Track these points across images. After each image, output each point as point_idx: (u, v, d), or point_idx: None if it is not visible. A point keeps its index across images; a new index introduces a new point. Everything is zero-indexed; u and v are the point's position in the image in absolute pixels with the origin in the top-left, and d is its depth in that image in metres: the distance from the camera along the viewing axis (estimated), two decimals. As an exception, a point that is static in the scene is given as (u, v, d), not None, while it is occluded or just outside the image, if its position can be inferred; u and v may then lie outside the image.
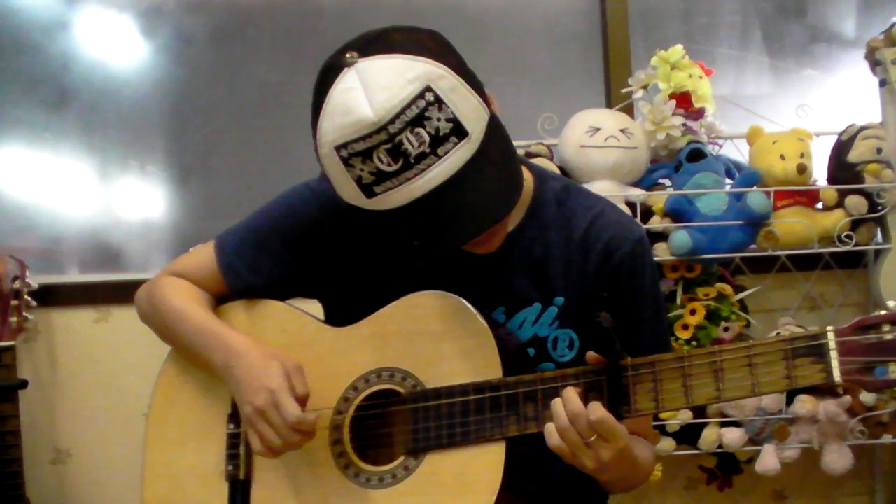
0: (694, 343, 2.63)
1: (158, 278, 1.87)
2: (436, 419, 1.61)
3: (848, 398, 2.64)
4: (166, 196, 3.25)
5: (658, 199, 2.69)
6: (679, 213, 2.65)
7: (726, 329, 2.65)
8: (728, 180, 2.74)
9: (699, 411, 2.66)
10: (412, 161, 1.47)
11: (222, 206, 3.17)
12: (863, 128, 2.75)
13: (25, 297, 2.72)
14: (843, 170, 2.76)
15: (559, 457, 1.54)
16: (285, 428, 1.60)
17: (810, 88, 3.34)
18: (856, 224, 2.72)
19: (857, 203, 2.70)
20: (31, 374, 2.86)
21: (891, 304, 1.45)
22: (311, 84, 1.54)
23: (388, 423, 1.67)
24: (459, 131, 1.48)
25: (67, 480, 2.94)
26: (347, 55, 1.48)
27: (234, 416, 1.74)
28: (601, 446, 1.51)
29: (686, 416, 2.65)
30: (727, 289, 2.70)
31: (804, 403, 2.62)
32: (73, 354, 2.94)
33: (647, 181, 2.76)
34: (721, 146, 2.82)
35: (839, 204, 2.72)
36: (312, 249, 1.78)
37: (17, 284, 2.71)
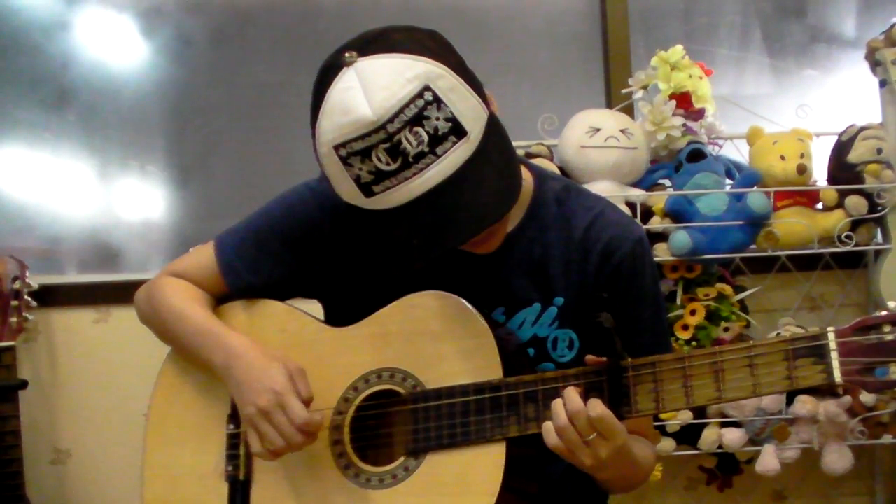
0: (694, 343, 2.63)
1: (157, 279, 1.87)
2: (436, 420, 1.61)
3: (848, 398, 2.64)
4: (166, 196, 3.25)
5: (658, 199, 2.69)
6: (679, 213, 2.65)
7: (726, 329, 2.65)
8: (728, 181, 2.74)
9: (699, 412, 2.66)
10: (411, 160, 1.47)
11: (222, 206, 3.17)
12: (863, 128, 2.75)
13: (25, 297, 2.73)
14: (843, 170, 2.76)
15: (559, 457, 1.54)
16: (290, 429, 1.60)
17: (810, 88, 3.34)
18: (856, 224, 2.72)
19: (857, 203, 2.69)
20: (31, 374, 2.86)
21: (891, 304, 1.45)
22: (311, 84, 1.54)
23: (389, 424, 1.67)
24: (458, 131, 1.48)
25: (67, 480, 2.94)
26: (346, 54, 1.48)
27: (234, 417, 1.74)
28: (600, 444, 1.51)
29: (686, 417, 2.64)
30: (727, 289, 2.70)
31: (804, 404, 2.62)
32: (73, 354, 2.94)
33: (647, 181, 2.76)
34: (721, 146, 2.82)
35: (839, 204, 2.72)
36: (312, 249, 1.78)
37: (17, 284, 2.71)
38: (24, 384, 2.67)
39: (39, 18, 3.19)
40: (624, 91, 2.88)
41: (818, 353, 1.45)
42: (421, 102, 1.46)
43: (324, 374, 1.69)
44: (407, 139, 1.46)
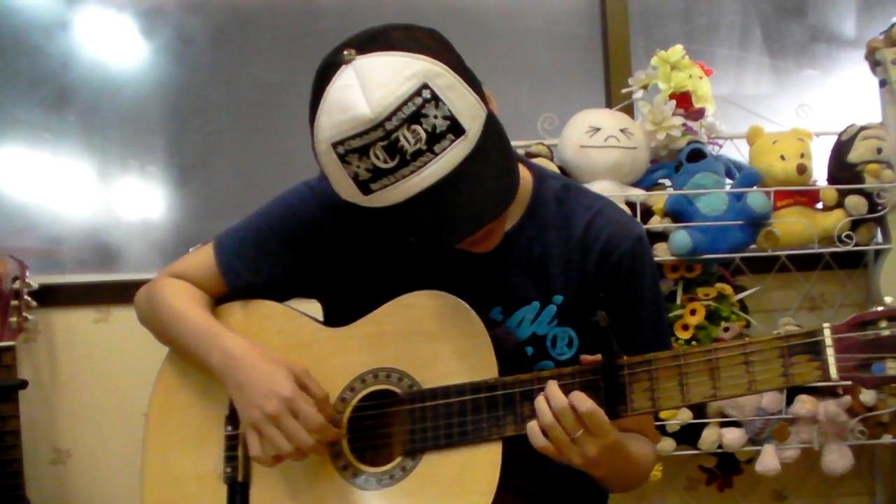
0: (694, 343, 2.63)
1: (157, 280, 1.87)
2: (433, 419, 1.61)
3: (848, 398, 2.64)
4: (166, 196, 3.24)
5: (658, 199, 2.69)
6: (679, 213, 2.65)
7: (726, 329, 2.65)
8: (728, 180, 2.74)
9: (699, 411, 2.66)
10: (408, 158, 1.46)
11: (222, 206, 3.17)
12: (863, 128, 2.75)
13: (25, 297, 2.73)
14: (843, 170, 2.76)
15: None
16: (302, 434, 1.60)
17: (810, 88, 3.34)
18: (856, 224, 2.72)
19: (857, 203, 2.69)
20: (31, 374, 2.86)
21: (888, 300, 1.45)
22: (311, 83, 1.54)
23: (386, 424, 1.67)
24: (456, 129, 1.48)
25: (67, 480, 2.94)
26: (345, 52, 1.48)
27: (232, 418, 1.73)
28: (587, 441, 1.50)
29: (686, 417, 2.64)
30: (727, 289, 2.70)
31: (804, 403, 2.62)
32: (73, 354, 2.94)
33: (647, 181, 2.76)
34: (721, 146, 2.82)
35: (839, 204, 2.72)
36: (312, 249, 1.78)
37: (17, 284, 2.71)
38: (24, 384, 2.67)
39: (39, 18, 3.19)
40: (624, 91, 2.88)
41: (814, 349, 1.45)
42: (419, 100, 1.46)
43: (321, 374, 1.68)
44: (405, 137, 1.46)
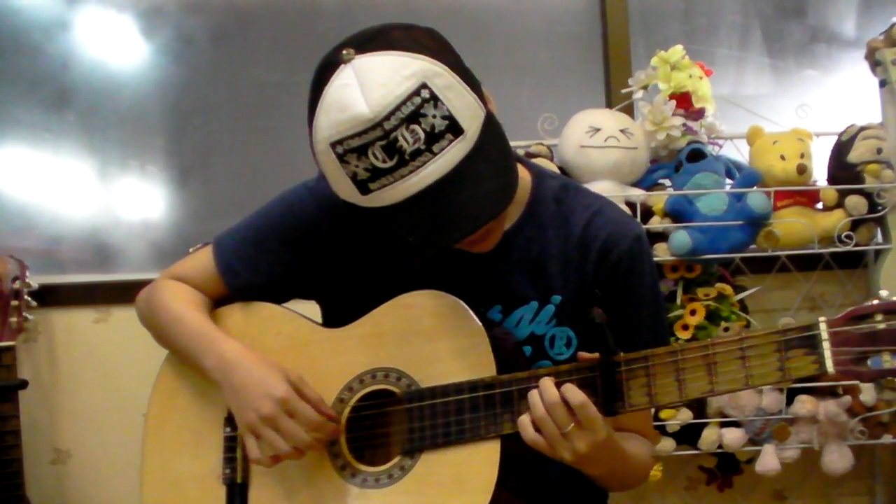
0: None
1: (157, 282, 1.87)
2: (431, 418, 1.61)
3: (848, 398, 2.64)
4: (166, 196, 3.25)
5: (658, 199, 2.69)
6: (679, 213, 2.65)
7: (726, 329, 2.65)
8: (728, 180, 2.74)
9: (699, 411, 2.66)
10: (407, 158, 1.46)
11: (222, 206, 3.17)
12: (863, 128, 2.75)
13: (25, 297, 2.73)
14: (843, 170, 2.76)
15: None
16: (300, 433, 1.61)
17: (810, 88, 3.34)
18: (856, 224, 2.71)
19: (857, 203, 2.69)
20: (31, 374, 2.86)
21: (883, 293, 1.45)
22: (310, 83, 1.54)
23: (384, 424, 1.68)
24: (455, 129, 1.48)
25: (67, 480, 2.94)
26: (344, 52, 1.49)
27: (231, 420, 1.73)
28: (578, 436, 1.51)
29: (686, 417, 2.64)
30: (727, 289, 2.69)
31: (804, 403, 2.62)
32: (73, 354, 2.94)
33: (647, 181, 2.76)
34: (721, 146, 2.82)
35: (839, 204, 2.72)
36: (311, 249, 1.78)
37: (17, 284, 2.71)
38: (24, 384, 2.67)
39: (39, 18, 3.19)
40: (624, 91, 2.88)
41: (810, 343, 1.45)
42: (418, 100, 1.46)
43: (319, 375, 1.69)
44: (403, 137, 1.46)
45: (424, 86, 1.47)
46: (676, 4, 3.34)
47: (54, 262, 3.16)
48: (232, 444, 1.74)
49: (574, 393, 1.50)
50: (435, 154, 1.47)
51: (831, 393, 2.67)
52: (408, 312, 1.67)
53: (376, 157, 1.47)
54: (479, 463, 1.57)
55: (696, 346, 1.51)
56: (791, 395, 2.64)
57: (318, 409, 1.64)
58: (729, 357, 1.49)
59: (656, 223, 2.67)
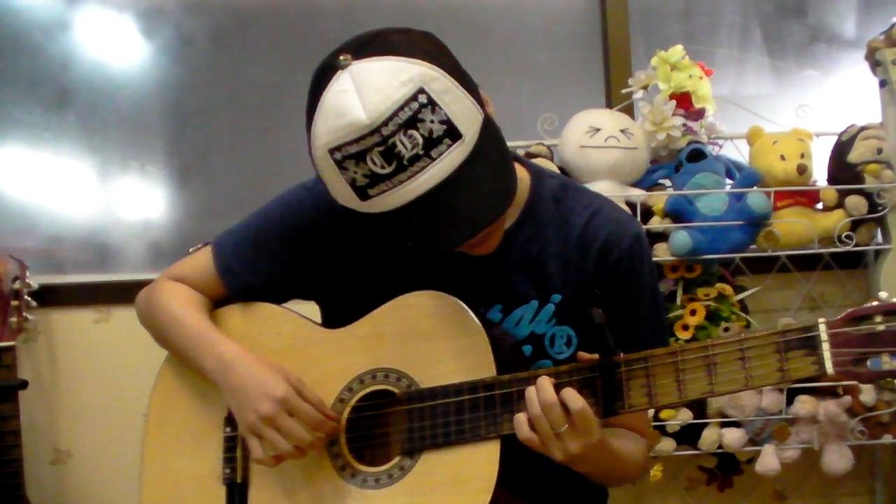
0: (693, 343, 2.63)
1: (157, 283, 1.88)
2: (431, 419, 1.61)
3: (848, 398, 2.64)
4: (166, 196, 3.24)
5: (658, 199, 2.69)
6: (679, 213, 2.65)
7: (726, 329, 2.65)
8: (728, 181, 2.74)
9: (699, 411, 2.66)
10: (405, 163, 1.46)
11: (222, 206, 3.17)
12: (863, 128, 2.75)
13: (25, 297, 2.73)
14: (843, 170, 2.75)
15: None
16: (301, 432, 1.61)
17: (810, 88, 3.34)
18: (856, 224, 2.71)
19: (857, 203, 2.69)
20: (31, 374, 2.86)
21: (882, 294, 1.45)
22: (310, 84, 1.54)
23: (384, 424, 1.68)
24: (453, 133, 1.48)
25: (67, 480, 2.94)
26: (341, 57, 1.48)
27: (231, 420, 1.74)
28: (571, 438, 1.51)
29: (686, 417, 2.64)
30: (727, 289, 2.69)
31: (804, 404, 2.62)
32: (73, 354, 2.94)
33: (647, 181, 2.76)
34: (721, 146, 2.82)
35: (839, 204, 2.72)
36: (310, 250, 1.78)
37: (17, 284, 2.71)
38: (24, 384, 2.67)
39: (39, 18, 3.19)
40: (624, 91, 2.87)
41: (809, 344, 1.46)
42: (415, 105, 1.46)
43: (319, 375, 1.69)
44: (401, 142, 1.46)
45: (422, 91, 1.47)
46: (676, 4, 3.34)
47: (54, 262, 3.16)
48: (232, 445, 1.75)
49: (573, 398, 1.50)
50: (433, 159, 1.47)
51: (831, 393, 2.67)
52: (407, 313, 1.67)
53: (375, 163, 1.47)
54: (479, 463, 1.57)
55: (695, 346, 1.51)
56: (791, 396, 2.64)
57: (318, 409, 1.64)
58: (729, 358, 1.49)
59: (656, 223, 2.66)
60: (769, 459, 2.65)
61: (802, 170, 2.68)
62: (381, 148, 1.46)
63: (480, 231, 1.53)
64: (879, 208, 2.69)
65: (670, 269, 2.69)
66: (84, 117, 3.20)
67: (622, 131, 2.69)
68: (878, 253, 2.79)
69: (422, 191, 1.48)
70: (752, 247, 2.71)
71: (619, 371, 1.54)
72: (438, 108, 1.47)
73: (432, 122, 1.47)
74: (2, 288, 2.69)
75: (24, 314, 2.71)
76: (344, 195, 1.53)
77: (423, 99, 1.46)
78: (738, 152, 2.86)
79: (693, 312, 2.65)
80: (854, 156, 2.72)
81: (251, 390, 1.64)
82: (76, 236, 3.18)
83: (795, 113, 2.79)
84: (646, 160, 2.74)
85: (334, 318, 1.80)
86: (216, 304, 1.85)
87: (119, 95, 3.21)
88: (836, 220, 2.70)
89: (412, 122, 1.46)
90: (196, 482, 1.77)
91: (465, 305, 1.63)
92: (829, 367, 1.43)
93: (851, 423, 2.65)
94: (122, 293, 2.80)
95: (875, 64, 2.76)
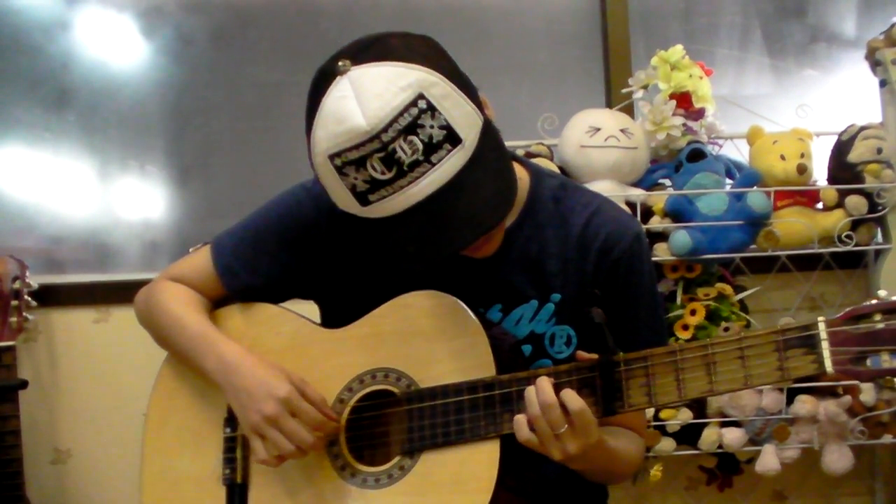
0: (693, 343, 2.63)
1: (156, 283, 1.88)
2: (430, 418, 1.61)
3: (848, 398, 2.64)
4: (166, 196, 3.24)
5: (658, 199, 2.68)
6: (679, 213, 2.65)
7: (726, 329, 2.65)
8: (728, 180, 2.74)
9: (699, 411, 2.66)
10: (405, 169, 1.47)
11: (222, 206, 3.17)
12: (863, 128, 2.74)
13: (25, 297, 2.73)
14: (843, 170, 2.75)
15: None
16: (302, 432, 1.62)
17: (810, 88, 3.33)
18: (856, 224, 2.71)
19: (857, 203, 2.69)
20: (31, 374, 2.86)
21: (882, 293, 1.45)
22: (310, 84, 1.54)
23: (384, 424, 1.68)
24: (453, 138, 1.48)
25: (67, 480, 2.94)
26: (340, 63, 1.48)
27: (231, 421, 1.74)
28: (570, 439, 1.51)
29: (686, 417, 2.64)
30: (727, 289, 2.69)
31: (804, 404, 2.62)
32: (73, 354, 2.94)
33: (647, 181, 2.76)
34: (721, 146, 2.82)
35: (839, 204, 2.72)
36: (309, 250, 1.79)
37: (17, 284, 2.71)
38: (24, 384, 2.67)
39: (39, 18, 3.19)
40: (624, 91, 2.87)
41: (809, 343, 1.46)
42: (415, 111, 1.46)
43: (319, 375, 1.69)
44: (401, 148, 1.46)
45: (421, 96, 1.47)
46: (676, 4, 3.34)
47: (54, 262, 3.16)
48: (232, 445, 1.75)
49: (572, 399, 1.51)
50: (433, 164, 1.47)
51: (831, 393, 2.67)
52: (407, 312, 1.67)
53: (375, 169, 1.47)
54: (479, 463, 1.57)
55: (695, 345, 1.52)
56: (791, 395, 2.64)
57: (320, 409, 1.64)
58: (728, 357, 1.50)
59: (656, 223, 2.66)
60: (769, 459, 2.65)
61: (802, 169, 2.68)
62: (381, 154, 1.46)
63: (482, 235, 1.53)
64: (879, 208, 2.68)
65: (670, 268, 2.69)
66: (84, 117, 3.20)
67: (622, 131, 2.69)
68: (878, 253, 2.79)
69: (422, 196, 1.48)
70: (752, 247, 2.71)
71: (618, 370, 1.54)
72: (438, 114, 1.47)
73: (432, 127, 1.47)
74: (2, 288, 2.69)
75: (24, 314, 2.71)
76: (344, 200, 1.54)
77: (422, 104, 1.46)
78: (738, 152, 2.86)
79: (693, 312, 2.65)
80: (854, 156, 2.72)
81: (254, 391, 1.64)
82: (76, 236, 3.18)
83: (795, 113, 2.79)
84: (646, 160, 2.74)
85: (334, 318, 1.80)
86: (215, 304, 1.85)
87: (119, 95, 3.21)
88: (836, 220, 2.70)
89: (412, 128, 1.46)
90: (196, 483, 1.77)
91: (464, 305, 1.63)
92: (829, 366, 1.44)
93: (851, 423, 2.65)
94: (122, 293, 2.79)
95: (875, 64, 2.76)
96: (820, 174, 2.81)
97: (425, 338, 1.65)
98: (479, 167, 1.50)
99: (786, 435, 2.64)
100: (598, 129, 2.69)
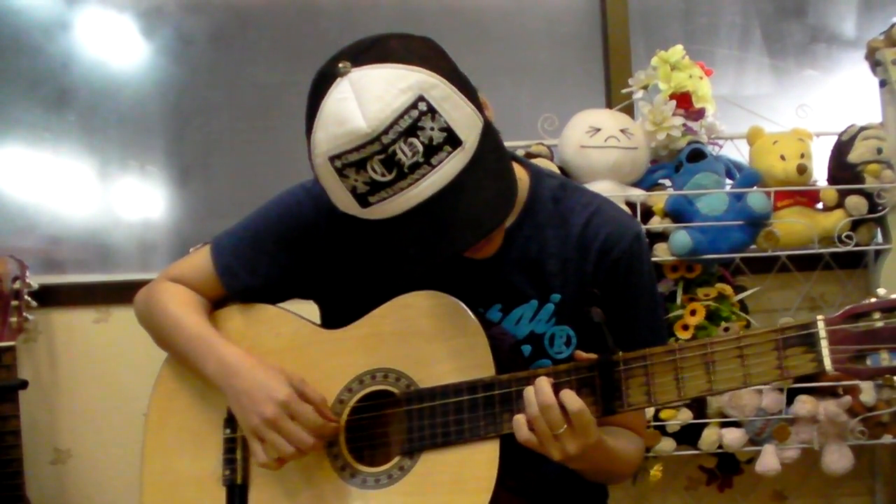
0: (693, 343, 2.63)
1: (155, 283, 1.88)
2: (430, 419, 1.61)
3: (848, 398, 2.64)
4: (166, 196, 3.24)
5: (658, 199, 2.68)
6: (679, 213, 2.65)
7: (726, 329, 2.65)
8: (728, 181, 2.74)
9: (699, 411, 2.66)
10: (406, 171, 1.47)
11: (222, 206, 3.17)
12: (863, 128, 2.74)
13: (25, 297, 2.73)
14: (843, 170, 2.75)
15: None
16: (301, 434, 1.62)
17: (810, 88, 3.33)
18: (856, 224, 2.71)
19: (857, 203, 2.69)
20: (31, 374, 2.86)
21: (881, 291, 1.45)
22: (310, 84, 1.54)
23: (383, 424, 1.68)
24: (453, 140, 1.48)
25: (67, 480, 2.94)
26: (340, 64, 1.48)
27: (230, 422, 1.74)
28: (569, 439, 1.52)
29: (686, 417, 2.64)
30: (727, 289, 2.69)
31: (804, 404, 2.62)
32: (73, 354, 2.94)
33: (647, 181, 2.76)
34: (721, 146, 2.82)
35: (839, 204, 2.72)
36: (308, 250, 1.79)
37: (17, 284, 2.71)
38: (24, 384, 2.67)
39: (39, 18, 3.19)
40: (624, 91, 2.87)
41: (808, 341, 1.46)
42: (415, 113, 1.46)
43: (318, 376, 1.69)
44: (402, 150, 1.46)
45: (422, 98, 1.47)
46: (676, 4, 3.34)
47: (54, 262, 3.16)
48: (232, 446, 1.75)
49: (572, 400, 1.51)
50: (434, 166, 1.48)
51: (831, 393, 2.67)
52: (406, 313, 1.67)
53: (375, 171, 1.47)
54: (479, 463, 1.57)
55: (694, 345, 1.52)
56: (791, 396, 2.64)
57: (320, 411, 1.64)
58: (727, 356, 1.50)
59: (656, 223, 2.66)
60: (769, 459, 2.64)
61: (802, 170, 2.68)
62: (382, 156, 1.46)
63: (483, 238, 1.53)
64: (879, 208, 2.68)
65: (670, 269, 2.69)
66: (84, 117, 3.20)
67: (622, 131, 2.69)
68: (878, 253, 2.79)
69: (422, 198, 1.48)
70: (752, 247, 2.71)
71: (617, 370, 1.54)
72: (438, 116, 1.47)
73: (432, 129, 1.47)
74: (2, 288, 2.69)
75: (24, 314, 2.71)
76: (344, 202, 1.54)
77: (423, 107, 1.46)
78: (738, 152, 2.86)
79: (693, 312, 2.65)
80: (854, 156, 2.72)
81: (254, 393, 1.64)
82: (76, 236, 3.18)
83: (795, 113, 2.79)
84: (646, 160, 2.74)
85: (333, 318, 1.80)
86: (215, 304, 1.85)
87: (119, 95, 3.21)
88: (836, 220, 2.70)
89: (412, 130, 1.46)
90: (196, 484, 1.77)
91: (463, 305, 1.63)
92: (828, 365, 1.44)
93: (851, 423, 2.65)
94: (122, 293, 2.78)
95: (875, 64, 2.76)
96: (820, 174, 2.81)
97: (425, 338, 1.65)
98: (479, 169, 1.51)
99: (786, 435, 2.64)
100: (598, 130, 2.69)
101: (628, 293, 1.74)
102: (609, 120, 2.72)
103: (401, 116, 1.45)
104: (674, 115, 2.69)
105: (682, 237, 2.60)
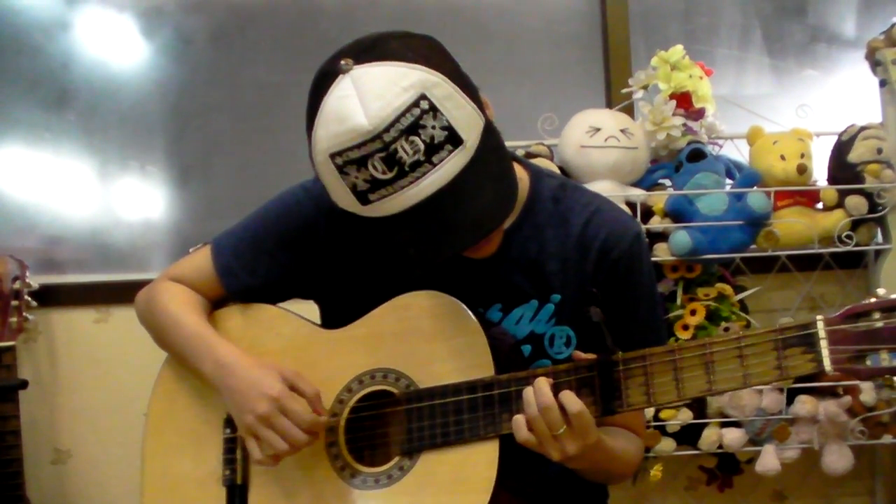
0: (692, 343, 2.63)
1: (156, 283, 1.88)
2: (430, 419, 1.61)
3: (848, 398, 2.64)
4: (166, 196, 3.24)
5: (658, 199, 2.68)
6: (679, 213, 2.65)
7: (726, 329, 2.65)
8: (728, 180, 2.74)
9: (699, 411, 2.66)
10: (406, 169, 1.47)
11: (222, 206, 3.17)
12: (863, 128, 2.74)
13: (26, 297, 2.73)
14: (843, 170, 2.75)
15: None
16: (293, 430, 1.61)
17: (810, 88, 3.33)
18: (856, 224, 2.71)
19: (857, 203, 2.69)
20: (31, 374, 2.86)
21: (880, 291, 1.45)
22: (310, 84, 1.54)
23: (383, 424, 1.68)
24: (454, 139, 1.48)
25: (67, 480, 2.94)
26: (342, 62, 1.48)
27: (230, 422, 1.74)
28: (569, 440, 1.52)
29: (686, 417, 2.64)
30: (727, 289, 2.69)
31: (804, 404, 2.62)
32: (73, 354, 2.94)
33: (647, 181, 2.76)
34: (721, 146, 2.82)
35: (839, 204, 2.72)
36: (308, 250, 1.78)
37: (17, 284, 2.71)
38: (24, 384, 2.67)
39: (39, 18, 3.19)
40: (624, 91, 2.87)
41: (807, 341, 1.45)
42: (417, 111, 1.46)
43: (318, 376, 1.69)
44: (403, 148, 1.46)
45: (423, 97, 1.47)
46: (676, 4, 3.34)
47: (54, 262, 3.16)
48: (232, 446, 1.75)
49: (571, 400, 1.51)
50: (434, 165, 1.47)
51: (831, 393, 2.67)
52: (406, 313, 1.67)
53: (376, 169, 1.47)
54: (479, 463, 1.57)
55: (693, 345, 1.52)
56: (791, 396, 2.64)
57: (312, 405, 1.64)
58: (727, 356, 1.50)
59: (656, 223, 2.66)
60: (769, 459, 2.65)
61: (802, 170, 2.68)
62: (383, 154, 1.46)
63: (483, 238, 1.53)
64: (879, 208, 2.68)
65: (670, 269, 2.69)
66: (84, 117, 3.20)
67: (622, 131, 2.69)
68: (878, 253, 2.79)
69: (423, 196, 1.48)
70: (752, 247, 2.71)
71: (617, 370, 1.54)
72: (440, 115, 1.47)
73: (434, 128, 1.47)
74: (2, 288, 2.69)
75: (25, 314, 2.72)
76: (344, 199, 1.54)
77: (424, 105, 1.46)
78: (738, 152, 2.86)
79: (693, 312, 2.65)
80: (854, 156, 2.72)
81: (247, 391, 1.64)
82: (76, 236, 3.18)
83: (795, 113, 2.79)
84: (646, 160, 2.74)
85: (333, 318, 1.80)
86: (215, 304, 1.85)
87: (119, 95, 3.21)
88: (836, 220, 2.70)
89: (414, 129, 1.46)
90: (196, 484, 1.77)
91: (463, 305, 1.63)
92: (828, 365, 1.43)
93: (851, 423, 2.65)
94: (122, 293, 2.79)
95: (875, 64, 2.76)
96: (820, 174, 2.81)
97: (424, 338, 1.65)
98: (480, 168, 1.51)
99: (786, 435, 2.64)
100: (598, 130, 2.69)
101: (628, 293, 1.74)
102: (609, 120, 2.72)
103: (402, 114, 1.45)
104: (674, 115, 2.69)
105: (682, 237, 2.60)
